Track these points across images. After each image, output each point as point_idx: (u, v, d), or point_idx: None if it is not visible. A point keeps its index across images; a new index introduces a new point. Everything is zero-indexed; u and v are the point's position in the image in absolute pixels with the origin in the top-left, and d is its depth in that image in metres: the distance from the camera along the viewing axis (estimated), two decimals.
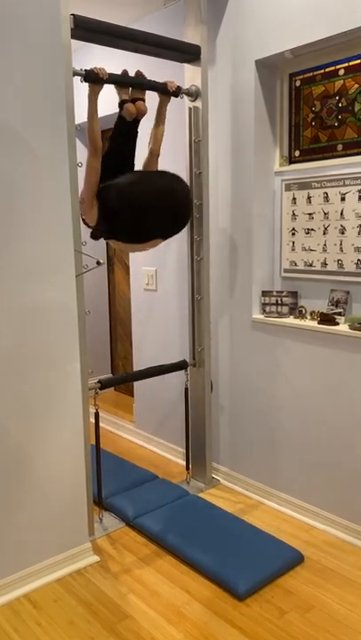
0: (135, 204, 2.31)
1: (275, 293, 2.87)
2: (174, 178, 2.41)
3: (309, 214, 2.74)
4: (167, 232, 2.44)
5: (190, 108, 2.85)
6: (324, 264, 2.70)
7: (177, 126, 2.88)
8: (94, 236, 2.50)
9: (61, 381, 2.30)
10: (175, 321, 3.41)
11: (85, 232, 2.44)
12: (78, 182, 2.36)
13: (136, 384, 3.86)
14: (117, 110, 2.53)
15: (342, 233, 2.61)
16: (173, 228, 2.44)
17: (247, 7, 2.73)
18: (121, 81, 2.49)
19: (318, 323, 2.64)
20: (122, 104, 2.49)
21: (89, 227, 2.49)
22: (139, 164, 2.64)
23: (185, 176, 2.81)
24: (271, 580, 2.31)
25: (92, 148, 2.35)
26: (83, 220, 2.47)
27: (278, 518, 2.81)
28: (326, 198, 2.65)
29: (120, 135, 2.51)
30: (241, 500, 3.02)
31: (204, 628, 2.07)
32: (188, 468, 3.23)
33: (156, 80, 2.59)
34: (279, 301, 2.85)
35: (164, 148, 2.64)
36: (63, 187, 2.21)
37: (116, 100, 2.52)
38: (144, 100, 2.52)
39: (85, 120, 2.37)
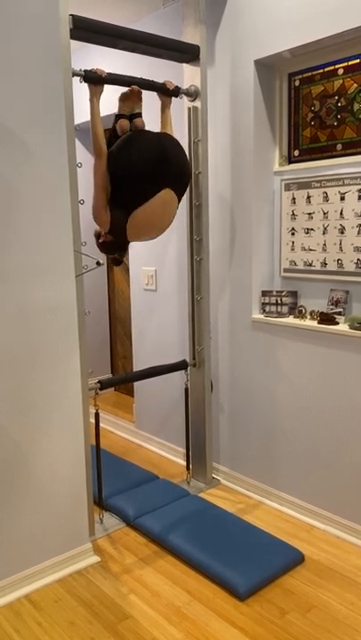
0: (130, 157, 2.38)
1: (274, 293, 2.87)
2: (159, 134, 2.55)
3: (309, 214, 2.74)
4: (169, 177, 2.44)
5: (189, 108, 2.85)
6: (324, 264, 2.70)
7: (176, 126, 2.87)
8: (111, 249, 2.56)
9: (61, 382, 2.30)
10: (175, 321, 3.41)
11: (84, 232, 2.44)
12: (78, 182, 2.36)
13: (136, 384, 3.86)
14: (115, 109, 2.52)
15: (342, 232, 2.61)
16: (172, 170, 2.46)
17: (246, 7, 2.73)
18: (120, 80, 2.49)
19: (318, 322, 2.64)
20: (117, 118, 2.49)
21: (104, 247, 2.54)
22: None
23: None
24: (272, 580, 2.31)
25: (97, 151, 2.36)
26: (100, 244, 2.53)
27: (279, 518, 2.81)
28: (326, 198, 2.65)
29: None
30: (241, 499, 3.02)
31: (205, 629, 2.07)
32: (188, 468, 3.23)
33: (156, 80, 2.59)
34: (279, 301, 2.85)
35: None
36: (63, 187, 2.21)
37: (115, 101, 2.52)
38: (141, 116, 2.52)
39: (85, 120, 2.37)
